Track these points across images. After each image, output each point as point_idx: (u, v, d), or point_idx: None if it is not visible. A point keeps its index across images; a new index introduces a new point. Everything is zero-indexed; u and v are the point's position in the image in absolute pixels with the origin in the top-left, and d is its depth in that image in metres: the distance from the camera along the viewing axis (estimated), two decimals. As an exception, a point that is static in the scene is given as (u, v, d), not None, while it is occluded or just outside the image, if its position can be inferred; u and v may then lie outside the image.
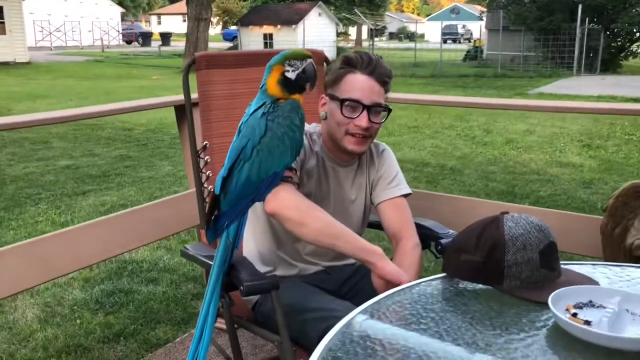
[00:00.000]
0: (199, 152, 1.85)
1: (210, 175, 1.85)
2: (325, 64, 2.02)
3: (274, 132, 1.34)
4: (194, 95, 1.87)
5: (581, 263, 1.25)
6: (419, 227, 1.75)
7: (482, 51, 24.08)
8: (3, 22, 19.68)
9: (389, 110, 1.57)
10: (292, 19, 22.45)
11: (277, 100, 1.36)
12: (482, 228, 1.13)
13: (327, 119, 1.58)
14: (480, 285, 1.12)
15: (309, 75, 1.35)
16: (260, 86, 1.40)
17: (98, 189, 4.91)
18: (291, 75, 1.35)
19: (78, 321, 2.56)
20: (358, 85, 1.51)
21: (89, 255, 1.86)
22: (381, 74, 1.52)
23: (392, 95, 1.67)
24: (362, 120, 1.50)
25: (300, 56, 1.36)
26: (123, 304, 2.74)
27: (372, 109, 1.51)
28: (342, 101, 1.51)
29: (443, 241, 1.66)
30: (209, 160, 1.85)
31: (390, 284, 1.33)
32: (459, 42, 43.56)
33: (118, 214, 2.07)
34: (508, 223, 1.11)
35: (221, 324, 1.68)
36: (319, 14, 23.34)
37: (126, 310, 2.67)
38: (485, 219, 1.15)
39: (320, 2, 23.57)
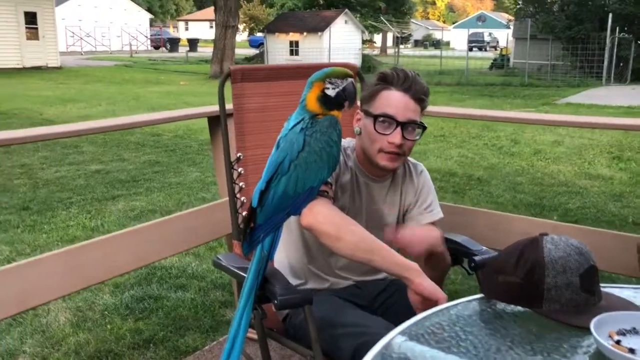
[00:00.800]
0: (233, 164, 1.87)
1: (243, 186, 1.87)
2: (357, 78, 2.02)
3: (311, 147, 1.36)
4: (229, 106, 1.90)
5: (622, 286, 1.23)
6: (450, 242, 1.75)
7: (508, 59, 23.87)
8: (36, 28, 20.14)
9: (424, 128, 1.57)
10: (318, 27, 22.53)
11: (316, 115, 1.38)
12: (521, 249, 1.12)
13: (361, 135, 1.58)
14: (519, 308, 1.11)
15: (348, 94, 1.37)
16: (300, 101, 1.41)
17: (127, 194, 4.98)
18: (331, 92, 1.37)
19: (109, 326, 2.60)
20: (393, 101, 1.51)
21: (123, 263, 1.90)
22: (417, 91, 1.52)
23: (430, 108, 1.67)
24: (396, 137, 1.50)
25: (341, 75, 1.38)
26: (152, 310, 2.78)
27: (406, 125, 1.51)
28: (375, 117, 1.51)
29: (477, 258, 1.65)
30: (242, 172, 1.87)
31: (427, 300, 1.33)
32: (485, 50, 43.25)
33: (151, 223, 2.11)
34: (548, 245, 1.10)
35: (252, 333, 1.69)
36: (345, 22, 23.39)
37: (155, 317, 2.70)
38: (524, 240, 1.14)
39: (346, 10, 23.63)
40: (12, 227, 4.06)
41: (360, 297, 1.66)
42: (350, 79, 1.38)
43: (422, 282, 1.35)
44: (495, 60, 25.21)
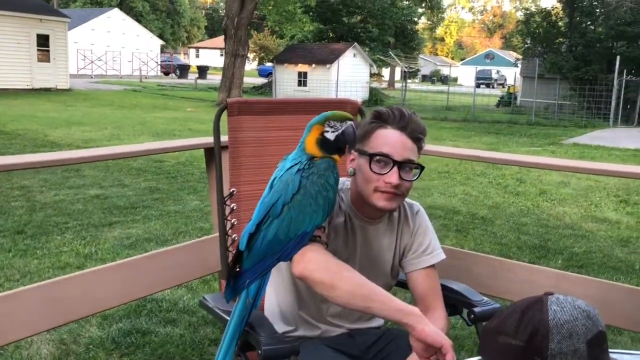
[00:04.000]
0: (225, 199, 1.80)
1: (235, 223, 1.79)
2: (359, 114, 1.97)
3: (307, 190, 1.30)
4: (225, 138, 1.83)
5: (632, 353, 1.14)
6: (449, 290, 1.67)
7: (516, 97, 23.93)
8: (48, 50, 20.38)
9: (422, 168, 1.50)
10: (327, 59, 22.72)
11: (313, 158, 1.32)
12: (523, 309, 1.03)
13: (355, 175, 1.51)
14: (520, 373, 1.02)
15: (347, 138, 1.32)
16: (299, 144, 1.36)
17: (124, 221, 4.91)
18: (330, 136, 1.33)
19: (92, 362, 2.50)
20: (389, 140, 1.44)
21: (108, 298, 1.81)
22: (414, 130, 1.46)
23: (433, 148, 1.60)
24: (393, 176, 1.43)
25: (340, 118, 1.33)
26: (139, 345, 2.67)
27: (403, 165, 1.44)
28: (371, 156, 1.44)
29: (477, 310, 1.56)
30: (234, 208, 1.80)
31: (430, 347, 1.23)
32: (493, 87, 43.48)
33: (137, 257, 2.03)
34: (553, 307, 1.01)
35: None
36: (354, 55, 23.60)
37: (142, 353, 2.60)
38: (528, 300, 1.06)
39: (355, 44, 23.86)
40: (4, 250, 3.99)
41: (353, 347, 1.57)
42: (350, 122, 1.34)
43: (425, 328, 1.25)
44: (502, 97, 25.29)
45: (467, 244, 4.74)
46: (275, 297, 1.62)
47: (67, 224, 4.71)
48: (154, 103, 18.44)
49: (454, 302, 1.66)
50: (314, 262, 1.29)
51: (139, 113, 14.87)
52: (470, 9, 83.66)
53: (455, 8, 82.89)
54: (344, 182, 1.60)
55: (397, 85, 35.87)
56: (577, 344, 0.97)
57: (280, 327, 1.59)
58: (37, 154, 1.93)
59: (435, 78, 53.76)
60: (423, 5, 42.76)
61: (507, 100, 24.17)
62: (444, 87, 27.19)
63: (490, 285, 2.07)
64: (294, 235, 1.29)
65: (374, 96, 23.22)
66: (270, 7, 19.48)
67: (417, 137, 1.47)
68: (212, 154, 2.35)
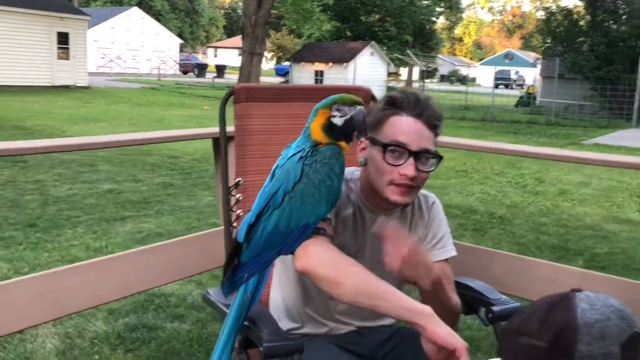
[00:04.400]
0: (231, 189, 1.72)
1: (241, 214, 1.71)
2: (371, 101, 1.87)
3: (309, 179, 1.20)
4: (231, 129, 1.76)
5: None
6: (466, 288, 1.57)
7: (535, 98, 23.61)
8: (67, 48, 20.53)
9: (440, 158, 1.39)
10: (344, 57, 22.62)
11: (318, 145, 1.23)
12: (548, 307, 0.94)
13: (366, 165, 1.41)
14: (543, 377, 0.92)
15: (357, 124, 1.22)
16: (304, 130, 1.27)
17: (137, 216, 4.86)
18: (337, 121, 1.23)
19: (96, 357, 2.44)
20: (404, 128, 1.33)
21: (107, 292, 1.75)
22: (430, 116, 1.35)
23: (441, 139, 1.50)
24: (409, 168, 1.32)
25: (349, 102, 1.23)
26: (145, 340, 2.61)
27: (419, 155, 1.34)
28: (385, 146, 1.34)
29: (495, 309, 1.46)
30: (240, 198, 1.72)
31: (443, 349, 1.14)
32: (511, 88, 43.01)
33: (138, 249, 1.96)
34: (581, 304, 0.91)
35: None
36: (371, 54, 23.46)
37: (147, 349, 2.53)
38: (552, 297, 0.96)
39: (372, 42, 23.72)
40: (15, 243, 3.96)
41: (362, 346, 1.47)
42: (359, 107, 1.23)
43: (437, 328, 1.15)
44: (521, 98, 24.94)
45: (485, 244, 4.61)
46: (280, 292, 1.54)
47: (79, 218, 4.68)
48: (171, 101, 18.48)
49: (471, 301, 1.56)
50: (317, 256, 1.20)
51: (155, 110, 14.90)
52: (490, 9, 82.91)
53: (474, 8, 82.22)
54: (354, 171, 1.50)
55: (415, 84, 35.63)
56: (609, 346, 0.87)
57: (285, 324, 1.50)
58: (31, 140, 1.86)
59: (453, 78, 53.30)
60: (442, 4, 42.43)
61: (527, 101, 23.83)
62: (462, 87, 26.92)
63: (509, 283, 1.97)
64: (295, 227, 1.20)
65: (391, 95, 23.00)
66: (288, 5, 19.43)
67: (434, 124, 1.37)
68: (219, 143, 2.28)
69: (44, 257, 3.72)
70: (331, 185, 1.22)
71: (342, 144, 1.26)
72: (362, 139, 1.44)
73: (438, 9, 39.57)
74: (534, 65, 28.12)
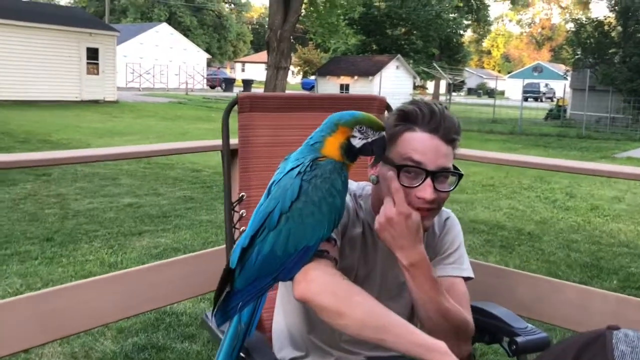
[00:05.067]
0: (234, 205, 1.61)
1: (244, 231, 1.60)
2: (386, 111, 1.75)
3: (308, 197, 1.08)
4: (235, 141, 1.65)
5: None
6: (487, 315, 1.42)
7: (565, 110, 23.14)
8: (97, 63, 20.89)
9: (460, 176, 1.25)
10: (370, 71, 22.55)
11: (317, 158, 1.11)
12: (580, 347, 0.80)
13: (378, 184, 1.28)
14: None
15: (377, 151, 1.13)
16: (312, 142, 1.14)
17: (155, 230, 4.80)
18: (357, 142, 1.11)
19: (101, 378, 2.34)
20: (419, 146, 1.20)
21: (107, 311, 1.65)
22: (448, 130, 1.20)
23: (466, 151, 1.37)
24: (426, 190, 1.19)
25: (375, 126, 1.12)
26: (153, 362, 2.51)
27: (437, 175, 1.20)
28: (398, 167, 1.20)
29: (519, 340, 1.32)
30: (243, 215, 1.61)
31: None
32: (541, 101, 42.38)
33: (140, 267, 1.86)
34: (620, 346, 0.77)
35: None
36: (397, 67, 23.35)
37: (154, 371, 2.43)
38: (586, 336, 0.82)
39: (398, 55, 23.61)
40: (30, 258, 3.92)
41: (371, 378, 1.34)
42: (383, 133, 1.13)
43: None
44: (551, 110, 24.50)
45: (512, 261, 4.43)
46: (283, 318, 1.41)
47: (97, 232, 4.63)
48: (197, 115, 18.60)
49: (494, 330, 1.42)
50: (318, 283, 1.08)
51: (181, 124, 14.99)
52: (518, 22, 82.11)
53: (502, 20, 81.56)
54: (364, 187, 1.38)
55: (442, 98, 35.35)
56: (653, 398, 0.73)
57: (288, 353, 1.38)
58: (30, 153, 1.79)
59: (481, 91, 52.80)
60: (469, 17, 42.16)
61: (556, 114, 23.38)
62: (490, 100, 26.57)
63: (537, 308, 1.81)
64: (294, 251, 1.08)
65: (417, 109, 22.84)
66: (313, 20, 19.47)
67: (452, 139, 1.22)
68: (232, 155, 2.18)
69: (58, 272, 3.66)
70: (333, 202, 1.10)
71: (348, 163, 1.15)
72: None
73: (465, 22, 39.30)
74: (564, 78, 27.61)
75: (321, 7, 19.44)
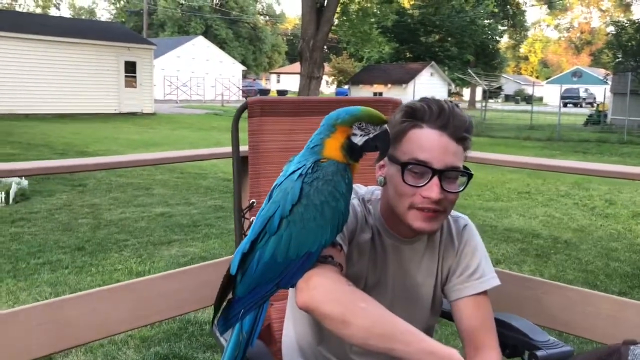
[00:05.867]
0: (244, 212, 1.58)
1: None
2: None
3: (310, 200, 1.03)
4: (245, 147, 1.62)
5: None
6: (508, 327, 1.35)
7: (605, 115, 22.52)
8: (135, 76, 21.36)
9: (470, 176, 1.19)
10: (403, 78, 22.43)
11: (319, 160, 1.06)
12: (593, 363, 0.73)
13: (386, 185, 1.23)
14: None
15: (380, 145, 1.06)
16: (312, 145, 1.10)
17: (184, 239, 4.82)
18: (358, 140, 1.06)
19: (122, 388, 2.33)
20: (426, 143, 1.15)
21: (115, 322, 1.63)
22: (457, 128, 1.15)
23: (497, 156, 1.30)
24: (432, 189, 1.14)
25: (375, 120, 1.06)
26: (174, 372, 2.49)
27: (445, 174, 1.15)
28: (404, 164, 1.16)
29: (540, 353, 1.24)
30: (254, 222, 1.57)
31: None
32: (581, 107, 41.39)
33: (152, 277, 1.84)
34: (636, 362, 0.70)
35: None
36: (431, 74, 23.17)
37: (174, 381, 2.41)
38: (601, 350, 0.75)
39: (432, 63, 23.42)
40: (61, 267, 3.97)
41: (383, 392, 1.28)
42: (385, 126, 1.07)
43: None
44: (590, 116, 23.89)
45: (548, 271, 4.28)
46: (293, 328, 1.37)
47: (127, 242, 4.67)
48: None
49: (514, 342, 1.34)
50: (322, 290, 1.03)
51: (215, 135, 15.16)
52: (556, 27, 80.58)
53: (539, 25, 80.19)
54: (373, 191, 1.33)
55: (478, 105, 34.90)
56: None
57: (298, 364, 1.33)
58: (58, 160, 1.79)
59: (519, 97, 51.91)
60: (505, 23, 41.57)
61: (597, 119, 22.78)
62: (528, 107, 26.07)
63: (567, 320, 1.71)
64: (295, 256, 1.03)
65: (453, 116, 22.58)
66: (346, 29, 19.49)
67: (462, 137, 1.17)
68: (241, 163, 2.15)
69: (87, 281, 3.70)
70: (336, 206, 1.05)
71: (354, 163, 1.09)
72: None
73: (501, 28, 38.76)
74: (604, 82, 26.89)
75: (353, 16, 19.45)
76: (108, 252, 4.37)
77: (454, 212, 1.33)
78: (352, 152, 1.07)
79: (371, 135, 1.07)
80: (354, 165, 1.09)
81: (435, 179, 1.14)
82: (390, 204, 1.23)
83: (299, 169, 1.07)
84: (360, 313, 1.01)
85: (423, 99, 1.20)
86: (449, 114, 1.15)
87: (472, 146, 1.21)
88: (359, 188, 1.32)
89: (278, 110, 1.62)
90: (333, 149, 1.07)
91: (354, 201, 1.26)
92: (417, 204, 1.16)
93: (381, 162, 1.25)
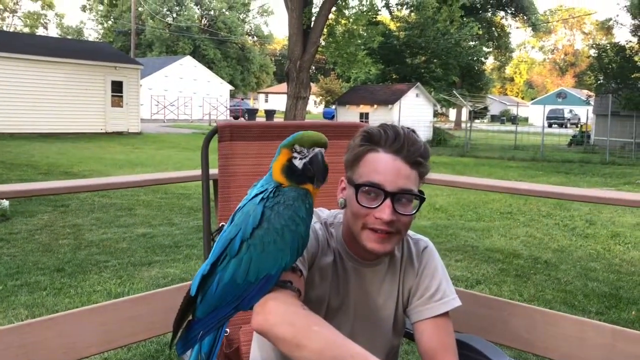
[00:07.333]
0: (213, 235, 1.60)
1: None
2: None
3: (271, 224, 1.06)
4: (215, 171, 1.65)
5: None
6: (468, 348, 1.38)
7: (589, 136, 22.84)
8: (121, 96, 21.36)
9: (422, 199, 1.23)
10: (389, 99, 22.63)
11: (280, 185, 1.09)
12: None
13: (346, 207, 1.27)
14: None
15: (315, 168, 1.08)
16: (270, 168, 1.14)
17: (165, 260, 4.81)
18: (298, 163, 1.09)
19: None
20: (380, 166, 1.19)
21: (83, 345, 1.63)
22: (412, 153, 1.20)
23: (438, 177, 1.34)
24: (384, 211, 1.18)
25: (308, 142, 1.08)
26: (148, 395, 2.47)
27: (397, 197, 1.19)
28: (358, 186, 1.20)
29: (496, 375, 1.26)
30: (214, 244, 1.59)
31: None
32: (566, 127, 41.94)
33: (121, 300, 1.85)
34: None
35: None
36: (417, 95, 23.39)
37: (148, 404, 2.39)
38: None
39: (418, 84, 23.67)
40: (39, 289, 3.94)
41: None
42: (318, 149, 1.08)
43: None
44: (574, 136, 24.19)
45: (527, 291, 4.31)
46: (259, 351, 1.38)
47: (108, 263, 4.65)
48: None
49: (471, 362, 1.36)
50: (276, 313, 1.04)
51: (201, 154, 15.14)
52: (541, 48, 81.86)
53: (524, 47, 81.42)
54: (336, 215, 1.36)
55: (464, 125, 35.23)
56: None
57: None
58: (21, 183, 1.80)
59: (504, 118, 52.53)
60: (490, 44, 42.18)
61: (580, 140, 23.08)
62: (513, 127, 26.38)
63: (531, 340, 1.74)
64: (254, 279, 1.06)
65: (438, 136, 22.79)
66: (332, 50, 19.68)
67: (416, 161, 1.21)
68: (215, 185, 2.17)
69: (65, 303, 3.67)
70: (296, 230, 1.08)
71: (309, 186, 1.12)
72: (342, 178, 1.30)
73: (486, 49, 39.31)
74: (587, 103, 27.30)
75: (340, 37, 19.66)
76: (88, 273, 4.35)
77: (414, 235, 1.36)
78: (292, 174, 1.10)
79: (307, 159, 1.10)
80: (315, 191, 1.12)
81: (388, 201, 1.18)
82: (348, 226, 1.26)
83: (261, 192, 1.10)
84: (313, 336, 1.02)
85: (381, 125, 1.24)
86: (404, 139, 1.20)
87: (430, 170, 1.25)
88: (321, 212, 1.35)
89: (247, 134, 1.65)
90: (276, 171, 1.11)
91: (316, 225, 1.29)
92: (369, 224, 1.20)
93: (342, 185, 1.29)
